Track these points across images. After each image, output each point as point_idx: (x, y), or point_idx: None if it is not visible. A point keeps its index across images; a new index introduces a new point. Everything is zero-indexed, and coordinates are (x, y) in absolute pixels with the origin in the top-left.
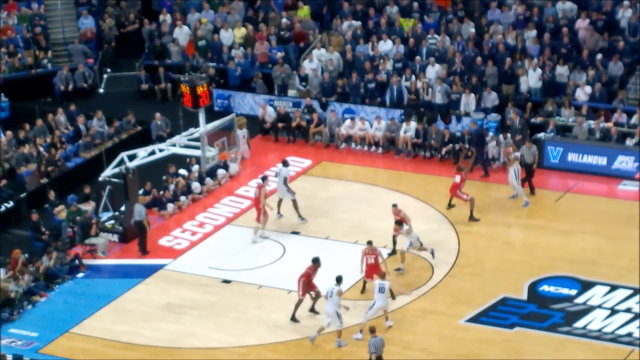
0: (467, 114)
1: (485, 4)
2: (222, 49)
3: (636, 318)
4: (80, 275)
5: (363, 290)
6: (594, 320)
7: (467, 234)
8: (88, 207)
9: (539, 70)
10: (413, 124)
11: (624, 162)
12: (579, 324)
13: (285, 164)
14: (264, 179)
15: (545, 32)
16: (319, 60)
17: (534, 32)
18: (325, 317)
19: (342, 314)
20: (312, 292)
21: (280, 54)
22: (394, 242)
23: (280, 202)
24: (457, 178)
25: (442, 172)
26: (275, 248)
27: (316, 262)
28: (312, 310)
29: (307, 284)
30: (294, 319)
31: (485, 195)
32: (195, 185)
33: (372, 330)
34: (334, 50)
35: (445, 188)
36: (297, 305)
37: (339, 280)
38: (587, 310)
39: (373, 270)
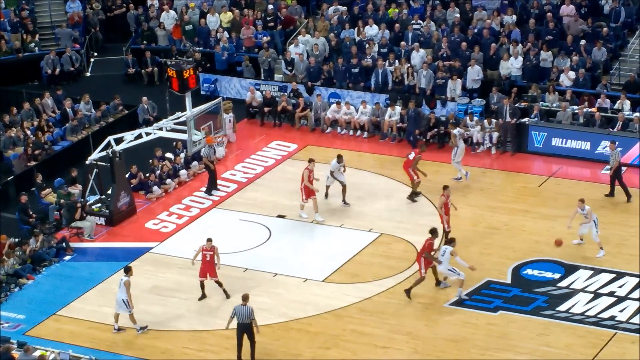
0: (452, 99)
1: None
2: (209, 34)
3: (619, 302)
4: (67, 258)
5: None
6: (577, 304)
7: (451, 217)
8: (75, 190)
9: (520, 57)
10: (398, 109)
11: (607, 147)
12: (562, 307)
13: (339, 159)
14: (310, 161)
15: (530, 18)
16: (304, 44)
17: (513, 17)
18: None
19: (456, 269)
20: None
21: (265, 39)
22: (202, 287)
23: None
24: (412, 155)
25: (427, 157)
26: (261, 231)
27: (434, 233)
28: (438, 283)
29: (430, 256)
30: (408, 292)
31: (470, 180)
32: (183, 172)
33: (244, 298)
34: (320, 35)
35: (432, 173)
36: (417, 282)
37: (450, 242)
38: (571, 293)
39: (208, 268)
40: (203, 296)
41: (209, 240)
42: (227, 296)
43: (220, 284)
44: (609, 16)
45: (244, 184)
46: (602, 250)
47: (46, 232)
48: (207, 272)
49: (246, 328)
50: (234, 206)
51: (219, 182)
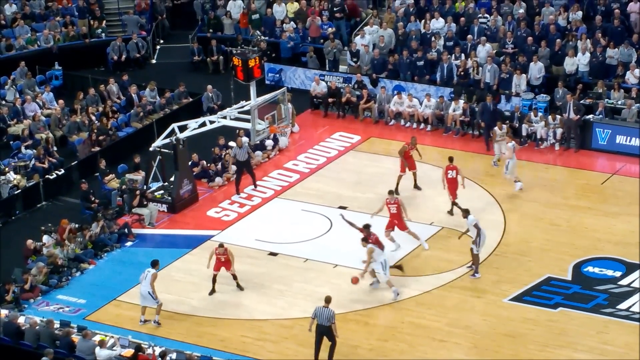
0: (517, 94)
1: None
2: (275, 23)
3: None
4: (128, 244)
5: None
6: (638, 303)
7: (513, 212)
8: (138, 176)
9: (587, 53)
10: (462, 102)
11: None
12: (623, 305)
13: (466, 213)
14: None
15: (597, 15)
16: (371, 35)
17: (579, 14)
18: None
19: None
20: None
21: (331, 30)
22: (214, 282)
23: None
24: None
25: (490, 151)
26: (322, 222)
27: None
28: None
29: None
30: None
31: (533, 175)
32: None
33: (326, 300)
34: (386, 26)
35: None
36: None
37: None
38: (631, 292)
39: (223, 265)
40: (212, 291)
41: (221, 245)
42: (214, 291)
43: (235, 277)
44: None
45: (306, 174)
46: (518, 184)
47: (108, 218)
48: (221, 267)
49: (325, 331)
50: (295, 196)
51: (257, 183)
